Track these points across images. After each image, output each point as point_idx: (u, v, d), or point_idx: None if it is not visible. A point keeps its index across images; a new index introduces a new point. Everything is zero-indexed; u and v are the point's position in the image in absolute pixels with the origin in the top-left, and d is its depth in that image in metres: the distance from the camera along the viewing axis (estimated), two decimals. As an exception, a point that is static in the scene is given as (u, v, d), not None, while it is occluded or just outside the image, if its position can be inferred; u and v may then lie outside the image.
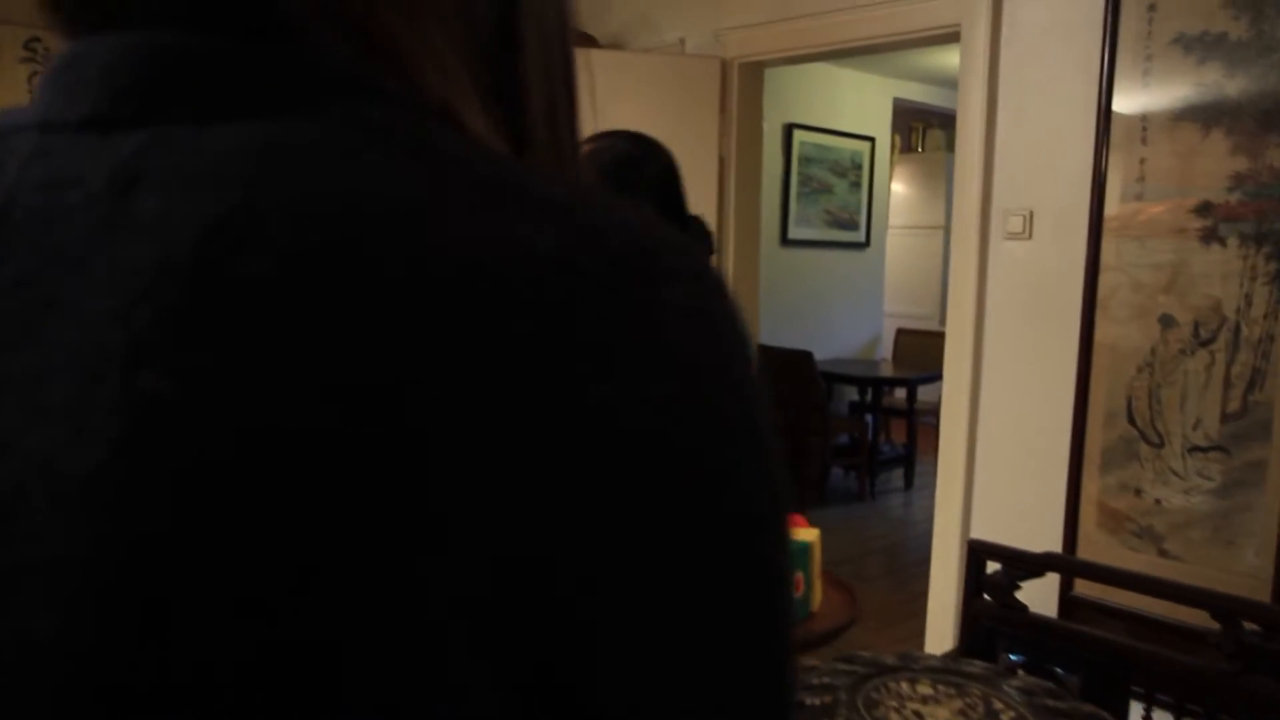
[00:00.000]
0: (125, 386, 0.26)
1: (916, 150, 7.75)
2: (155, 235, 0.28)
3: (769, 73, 3.68)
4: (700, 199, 3.51)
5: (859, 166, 6.04)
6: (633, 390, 0.27)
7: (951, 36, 2.91)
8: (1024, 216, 2.74)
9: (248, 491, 0.25)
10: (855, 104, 5.94)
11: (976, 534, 2.89)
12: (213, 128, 0.29)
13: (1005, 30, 2.73)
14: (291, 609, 0.25)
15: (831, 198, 5.91)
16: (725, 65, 3.49)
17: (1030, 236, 2.74)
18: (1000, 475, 2.87)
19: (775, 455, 0.31)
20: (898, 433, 6.35)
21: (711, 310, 0.30)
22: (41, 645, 0.25)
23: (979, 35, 2.77)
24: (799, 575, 0.83)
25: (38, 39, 5.40)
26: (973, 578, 1.70)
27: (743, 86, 3.52)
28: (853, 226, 6.07)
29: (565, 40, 0.42)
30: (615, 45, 3.76)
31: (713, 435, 0.29)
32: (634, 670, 0.28)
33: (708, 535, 0.29)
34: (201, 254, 0.27)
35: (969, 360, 2.87)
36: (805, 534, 0.96)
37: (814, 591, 0.89)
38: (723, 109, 3.49)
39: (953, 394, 2.92)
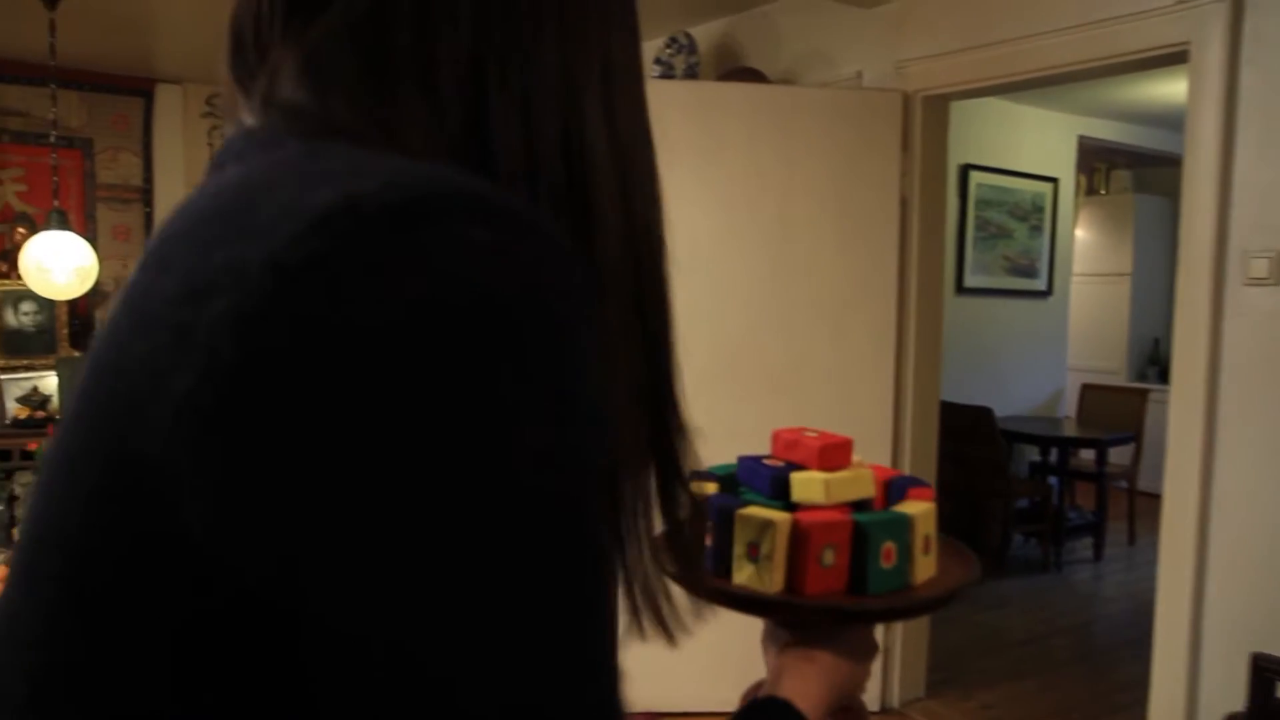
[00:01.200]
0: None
1: (1100, 192, 7.23)
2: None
3: (953, 107, 3.40)
4: (879, 243, 3.24)
5: (1040, 209, 5.62)
6: (354, 318, 0.34)
7: (1176, 57, 2.57)
8: (1270, 259, 2.37)
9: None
10: (1036, 143, 5.55)
11: (1212, 635, 2.49)
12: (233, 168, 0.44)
13: (1247, 47, 2.38)
14: None
15: (1010, 243, 5.52)
16: (907, 99, 3.23)
17: (1278, 282, 2.36)
18: (1241, 565, 2.46)
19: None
20: (1084, 498, 5.83)
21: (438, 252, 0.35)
22: None
23: (1213, 54, 2.42)
24: (890, 545, 0.89)
25: (219, 95, 5.61)
26: (1259, 699, 1.37)
27: (926, 122, 3.25)
28: (1033, 274, 5.65)
29: (566, 85, 0.46)
30: (787, 80, 3.55)
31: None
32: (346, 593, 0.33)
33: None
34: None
35: (1199, 426, 2.49)
36: (909, 506, 0.91)
37: (913, 564, 0.88)
38: (904, 146, 3.23)
39: (1179, 465, 2.54)
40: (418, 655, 0.33)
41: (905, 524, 0.83)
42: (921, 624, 3.47)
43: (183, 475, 0.35)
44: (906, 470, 3.21)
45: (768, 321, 3.19)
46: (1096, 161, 7.12)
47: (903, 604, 0.87)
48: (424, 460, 0.33)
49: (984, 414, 4.70)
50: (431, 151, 0.43)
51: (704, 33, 3.82)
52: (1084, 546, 5.36)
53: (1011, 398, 5.59)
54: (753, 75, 3.52)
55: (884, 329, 3.25)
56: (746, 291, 3.18)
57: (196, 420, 0.34)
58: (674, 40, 3.69)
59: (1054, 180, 5.65)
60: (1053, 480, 5.27)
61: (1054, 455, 5.33)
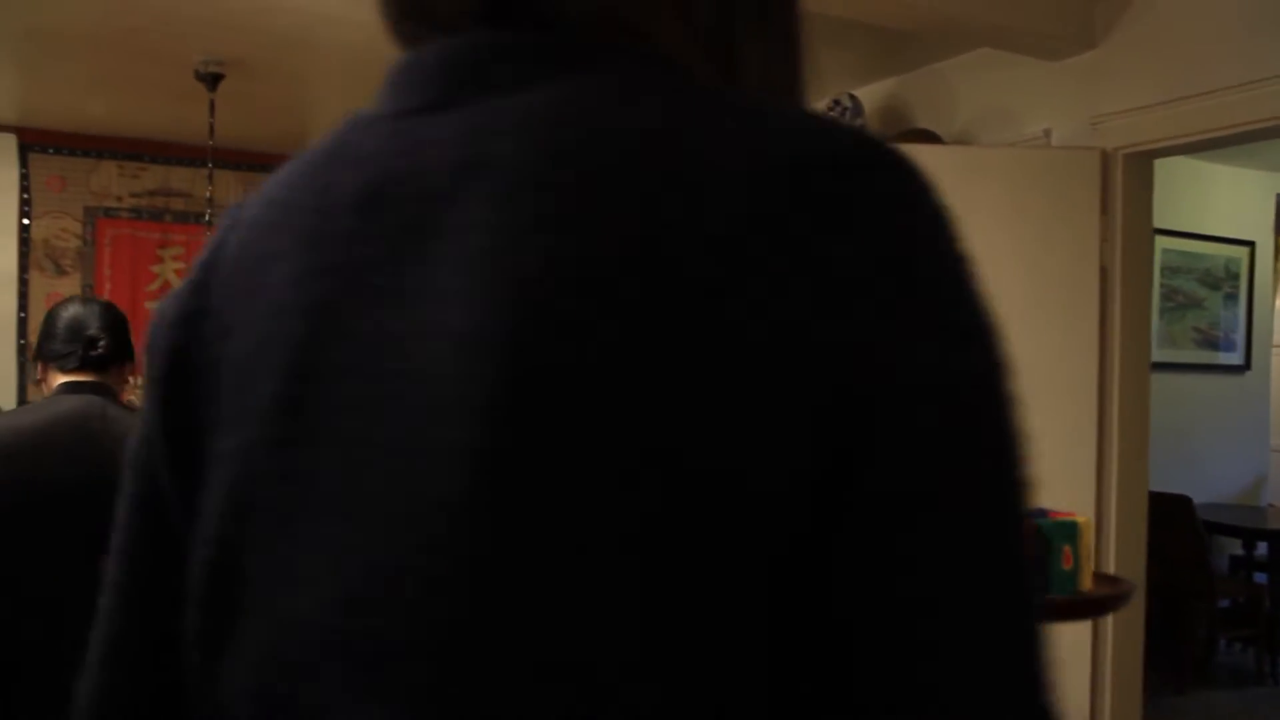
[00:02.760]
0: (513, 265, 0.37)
1: (1294, 255, 6.61)
2: (512, 164, 0.39)
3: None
4: (1077, 317, 2.89)
5: (1235, 276, 5.11)
6: (869, 250, 0.36)
7: None
8: None
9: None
10: (1230, 203, 5.06)
11: None
12: (520, 94, 0.41)
13: None
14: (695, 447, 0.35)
15: (1201, 313, 5.02)
16: (1106, 157, 2.90)
17: None
18: None
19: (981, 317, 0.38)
20: (1296, 597, 5.18)
21: (914, 191, 0.39)
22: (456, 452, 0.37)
23: None
24: (1067, 549, 0.88)
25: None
26: None
27: (1127, 182, 2.91)
28: (1228, 347, 5.12)
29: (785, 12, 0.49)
30: (963, 142, 3.27)
31: (943, 283, 0.38)
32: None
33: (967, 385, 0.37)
34: (552, 167, 0.39)
35: None
36: (1078, 517, 0.99)
37: (1082, 572, 0.92)
38: (1103, 209, 2.89)
39: None
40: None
41: (1077, 530, 0.86)
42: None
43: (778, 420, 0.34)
44: (1112, 566, 2.84)
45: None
46: (1290, 222, 6.51)
47: (1083, 600, 0.88)
48: (989, 344, 0.38)
49: (1182, 502, 4.21)
50: (699, 58, 0.45)
51: (869, 94, 3.58)
52: (1301, 654, 4.73)
53: (1206, 484, 5.03)
54: (925, 137, 3.25)
55: (1083, 412, 2.89)
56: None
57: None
58: (837, 103, 3.46)
59: (1250, 244, 5.14)
60: (1259, 577, 4.69)
61: (1260, 549, 4.75)
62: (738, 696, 0.35)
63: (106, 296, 4.96)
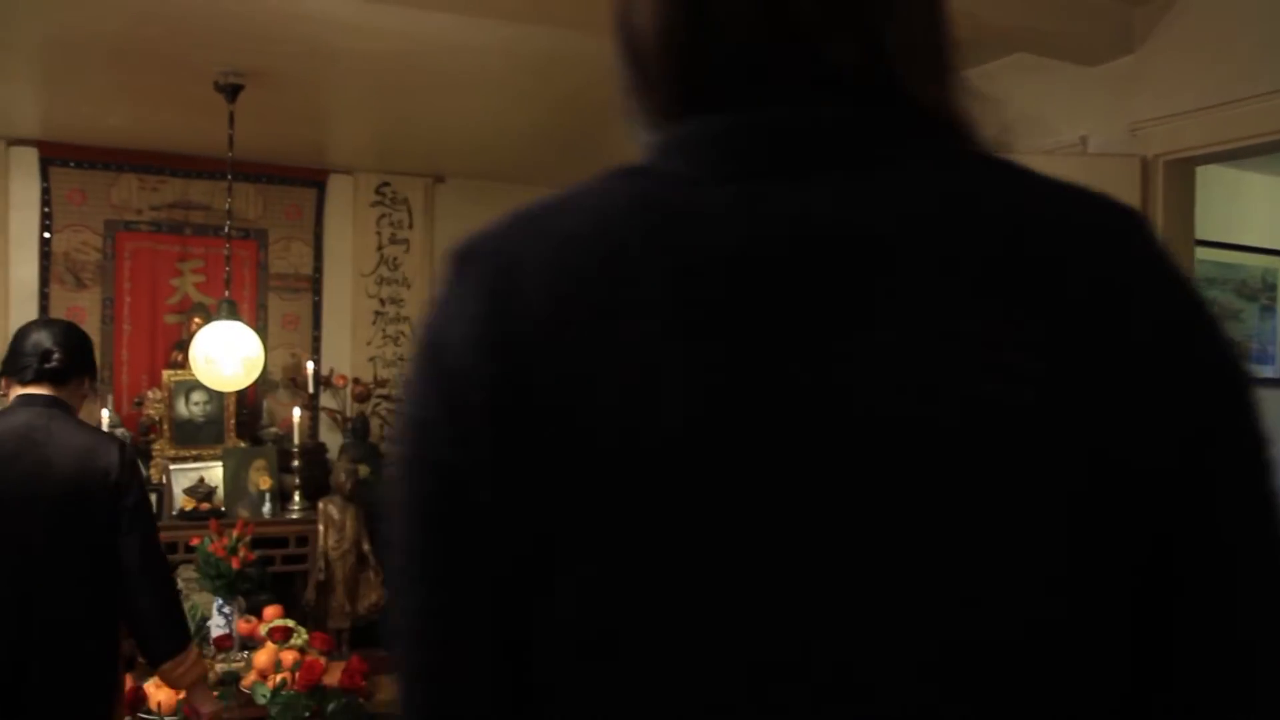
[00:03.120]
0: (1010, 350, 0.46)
1: (1330, 267, 6.46)
2: (930, 238, 0.47)
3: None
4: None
5: (1272, 287, 4.99)
6: (1170, 302, 0.49)
7: None
8: None
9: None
10: (1266, 213, 4.95)
11: None
12: (887, 169, 0.49)
13: None
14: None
15: (1238, 326, 4.90)
16: (1145, 165, 2.81)
17: None
18: None
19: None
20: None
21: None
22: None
23: None
24: None
25: (387, 183, 5.66)
26: None
27: (1169, 190, 2.82)
28: (1266, 359, 5.00)
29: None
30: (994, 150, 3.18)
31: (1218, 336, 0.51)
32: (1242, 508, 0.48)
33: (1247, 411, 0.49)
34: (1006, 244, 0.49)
35: None
36: None
37: None
38: (1144, 218, 2.80)
39: None
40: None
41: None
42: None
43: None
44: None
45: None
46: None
47: None
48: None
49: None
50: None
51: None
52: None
53: (1243, 500, 4.91)
54: (957, 144, 3.17)
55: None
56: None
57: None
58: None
59: (1287, 254, 5.02)
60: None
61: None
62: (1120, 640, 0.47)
63: (126, 310, 4.95)
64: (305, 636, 3.46)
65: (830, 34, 0.49)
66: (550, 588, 0.48)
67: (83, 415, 2.26)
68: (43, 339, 2.08)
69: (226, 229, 4.17)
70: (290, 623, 3.51)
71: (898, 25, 0.51)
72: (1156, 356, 0.47)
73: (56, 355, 2.05)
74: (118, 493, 2.00)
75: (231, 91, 3.73)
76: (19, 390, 2.06)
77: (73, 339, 2.14)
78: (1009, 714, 0.44)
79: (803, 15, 0.49)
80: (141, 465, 2.36)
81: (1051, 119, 3.07)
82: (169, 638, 2.06)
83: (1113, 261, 0.48)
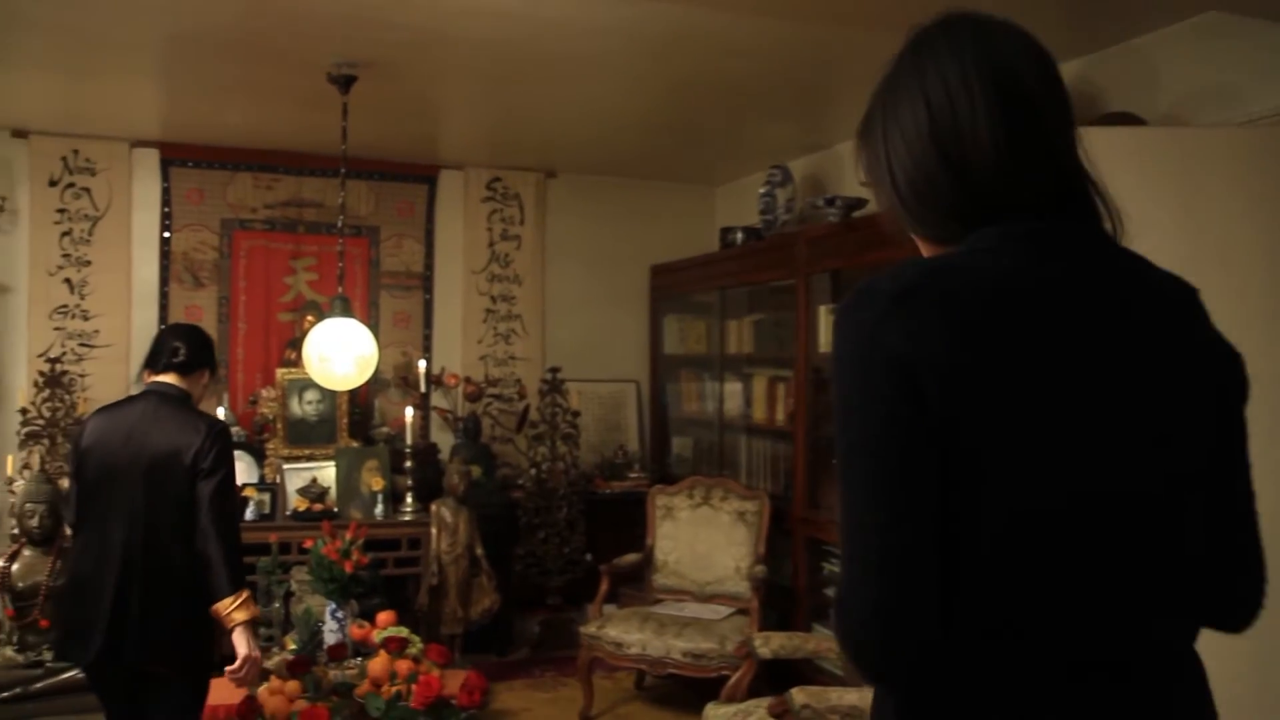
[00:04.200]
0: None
1: None
2: (1146, 296, 0.96)
3: None
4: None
5: None
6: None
7: None
8: None
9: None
10: None
11: None
12: (1098, 255, 0.96)
13: None
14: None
15: None
16: (1357, 137, 2.45)
17: None
18: None
19: None
20: None
21: None
22: None
23: None
24: None
25: (499, 179, 5.55)
26: None
27: (1384, 165, 2.46)
28: None
29: None
30: (1170, 124, 2.86)
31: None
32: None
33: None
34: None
35: None
36: None
37: None
38: (1356, 197, 2.45)
39: None
40: None
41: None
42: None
43: None
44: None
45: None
46: None
47: None
48: None
49: None
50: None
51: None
52: None
53: None
54: (1126, 120, 2.85)
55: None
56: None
57: None
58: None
59: None
60: None
61: None
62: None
63: (241, 309, 4.94)
64: (420, 646, 3.34)
65: (1054, 174, 0.95)
66: (980, 486, 0.86)
67: (203, 409, 2.63)
68: (173, 337, 2.62)
69: (340, 223, 4.10)
70: (405, 632, 3.39)
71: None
72: (1218, 345, 0.98)
73: (182, 350, 2.57)
74: (196, 461, 2.44)
75: (345, 83, 3.64)
76: (150, 378, 2.59)
77: (195, 338, 2.65)
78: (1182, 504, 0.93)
79: (1041, 173, 0.95)
80: (234, 450, 2.70)
81: (1238, 88, 2.73)
82: (227, 580, 2.42)
83: (1193, 300, 0.99)
